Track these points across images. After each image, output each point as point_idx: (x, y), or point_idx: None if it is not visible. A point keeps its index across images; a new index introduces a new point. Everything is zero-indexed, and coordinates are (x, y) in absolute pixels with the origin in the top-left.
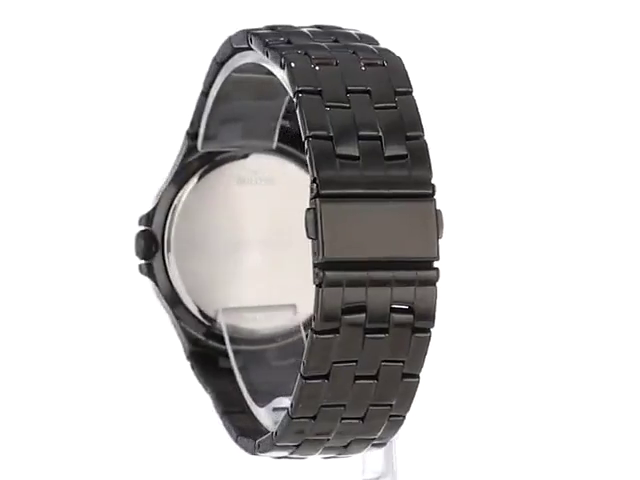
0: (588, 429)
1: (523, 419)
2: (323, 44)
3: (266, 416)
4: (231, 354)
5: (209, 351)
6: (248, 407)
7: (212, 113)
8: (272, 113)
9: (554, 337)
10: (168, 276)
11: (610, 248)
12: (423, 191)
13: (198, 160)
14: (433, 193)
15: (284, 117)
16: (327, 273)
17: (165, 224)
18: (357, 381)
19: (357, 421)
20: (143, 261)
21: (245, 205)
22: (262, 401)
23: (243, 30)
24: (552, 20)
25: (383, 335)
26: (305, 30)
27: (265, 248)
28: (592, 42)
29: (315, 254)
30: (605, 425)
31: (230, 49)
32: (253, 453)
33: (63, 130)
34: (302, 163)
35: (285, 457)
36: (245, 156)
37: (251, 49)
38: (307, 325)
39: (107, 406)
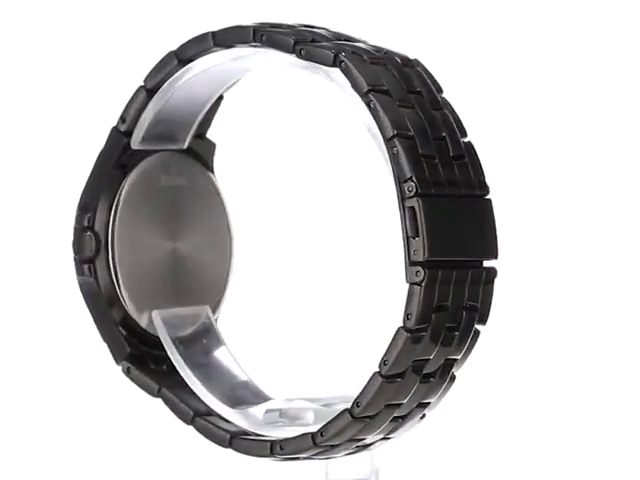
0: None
1: (512, 424)
2: (356, 44)
3: (246, 417)
4: (178, 356)
5: (145, 354)
6: (211, 409)
7: (159, 112)
8: (193, 116)
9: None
10: (110, 277)
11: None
12: (484, 192)
13: (129, 157)
14: (489, 193)
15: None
16: (429, 272)
17: (108, 223)
18: (422, 380)
19: (400, 420)
20: (85, 262)
21: (169, 204)
22: (233, 403)
23: (241, 26)
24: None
25: (456, 333)
26: (314, 29)
27: (183, 248)
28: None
29: (414, 252)
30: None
31: (208, 46)
32: (266, 455)
33: None
34: (205, 164)
35: (301, 459)
36: (163, 155)
37: (235, 46)
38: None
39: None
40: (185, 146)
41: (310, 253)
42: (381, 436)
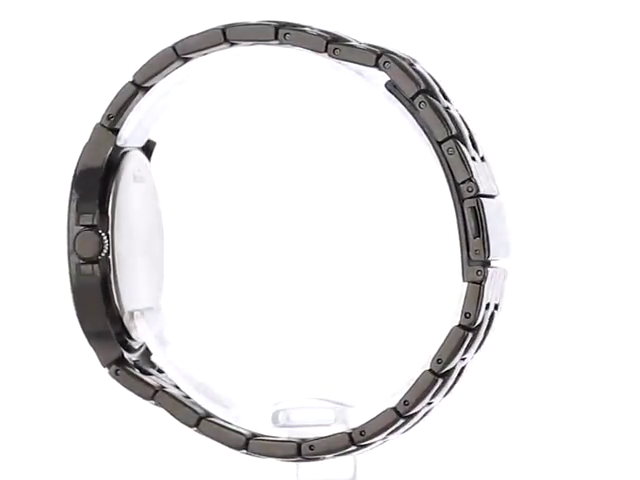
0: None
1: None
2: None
3: (246, 418)
4: (163, 356)
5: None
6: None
7: (149, 110)
8: (160, 113)
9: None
10: (108, 277)
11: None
12: (498, 192)
13: (114, 155)
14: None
15: None
16: (487, 270)
17: (108, 222)
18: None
19: (421, 418)
20: (88, 262)
21: (140, 201)
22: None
23: (258, 23)
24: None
25: (488, 331)
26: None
27: (145, 249)
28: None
29: (476, 252)
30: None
31: (215, 43)
32: (290, 456)
33: None
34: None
35: (321, 459)
36: (135, 153)
37: (239, 44)
38: None
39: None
40: (142, 144)
41: (309, 254)
42: (398, 435)
